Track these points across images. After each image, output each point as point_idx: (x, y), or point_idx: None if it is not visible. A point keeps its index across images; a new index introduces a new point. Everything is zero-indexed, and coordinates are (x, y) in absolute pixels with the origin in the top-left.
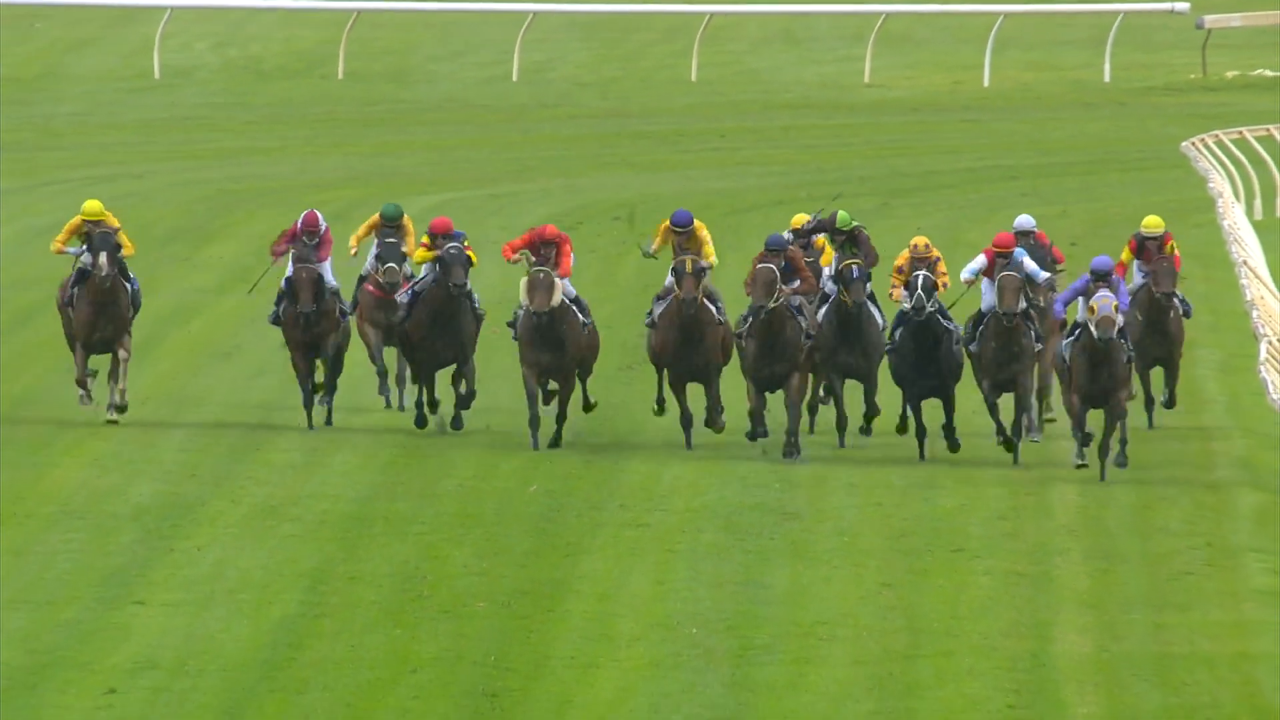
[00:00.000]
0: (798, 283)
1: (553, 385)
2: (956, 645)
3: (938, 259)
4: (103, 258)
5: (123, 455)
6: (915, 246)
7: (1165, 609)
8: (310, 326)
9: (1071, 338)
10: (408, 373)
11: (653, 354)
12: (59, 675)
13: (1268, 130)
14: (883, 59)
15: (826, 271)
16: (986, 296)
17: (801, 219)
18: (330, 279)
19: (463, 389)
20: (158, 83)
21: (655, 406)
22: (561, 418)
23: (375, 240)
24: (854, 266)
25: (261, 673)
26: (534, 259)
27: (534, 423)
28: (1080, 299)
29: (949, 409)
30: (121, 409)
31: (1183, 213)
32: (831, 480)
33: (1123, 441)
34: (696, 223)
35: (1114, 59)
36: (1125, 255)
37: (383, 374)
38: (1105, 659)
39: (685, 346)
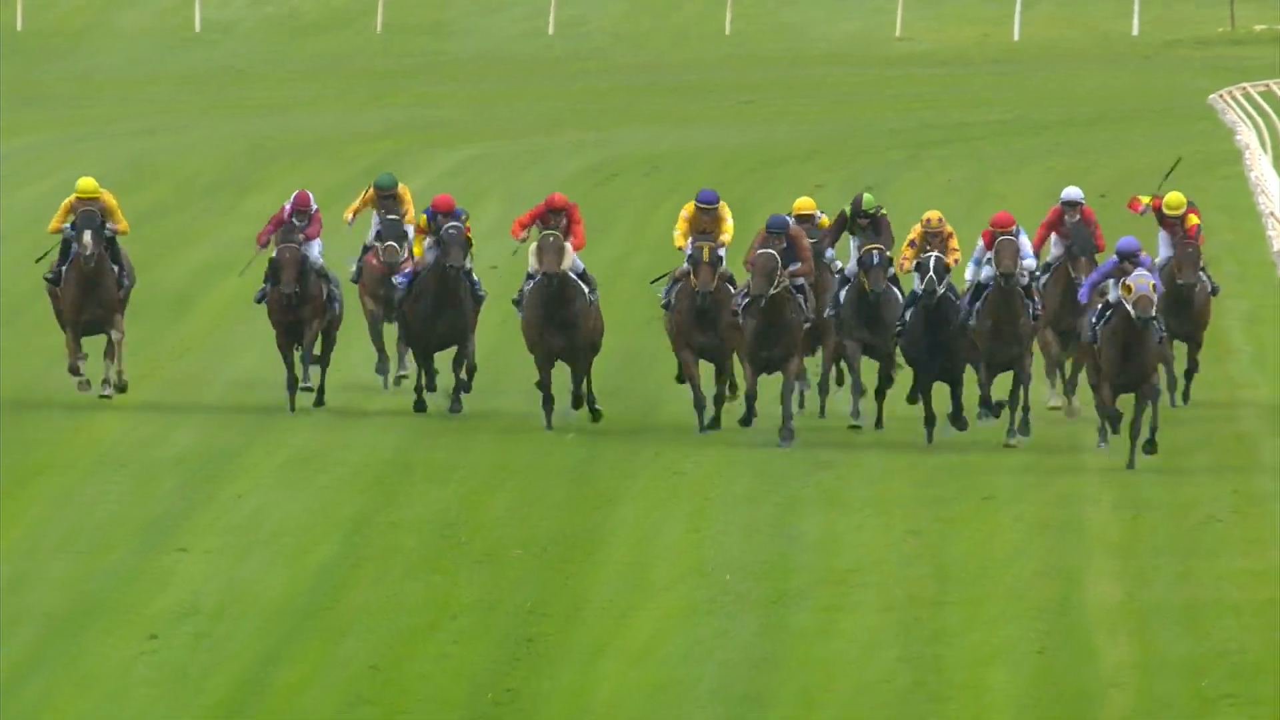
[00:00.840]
0: (798, 265)
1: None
2: (985, 592)
3: (950, 234)
4: (87, 236)
5: (163, 405)
6: (928, 221)
7: (1192, 556)
8: (293, 307)
9: (1101, 320)
10: (408, 354)
11: (670, 334)
12: (102, 620)
13: None
14: (913, 13)
15: (830, 254)
16: (984, 270)
17: (806, 203)
18: (317, 258)
19: (463, 374)
20: (198, 37)
21: (678, 378)
22: (577, 393)
23: (375, 214)
24: (874, 252)
25: (301, 618)
26: (542, 228)
27: (547, 403)
28: (1111, 281)
29: (956, 391)
30: (120, 388)
31: (1210, 165)
32: (863, 431)
33: (1153, 428)
34: (722, 205)
35: (1142, 13)
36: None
37: (381, 352)
38: (1133, 605)
39: (700, 325)
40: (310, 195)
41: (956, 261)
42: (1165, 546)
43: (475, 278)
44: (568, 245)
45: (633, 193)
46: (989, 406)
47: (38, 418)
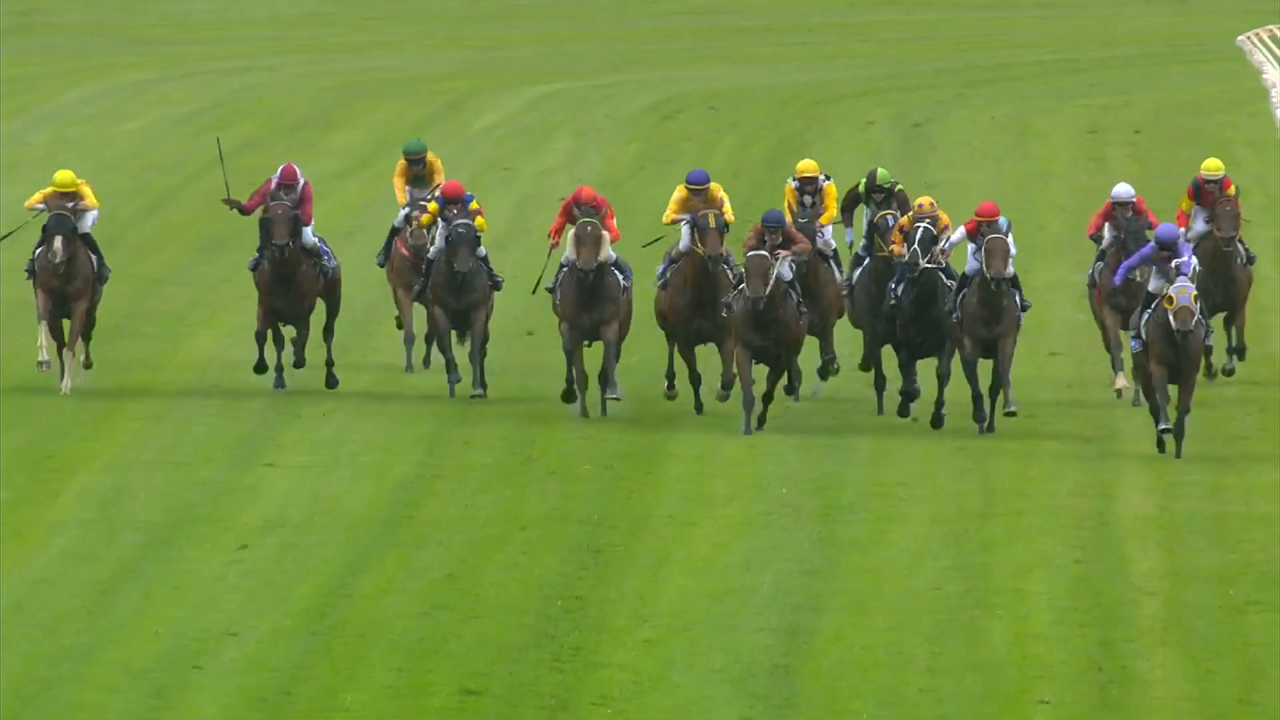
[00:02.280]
0: (795, 246)
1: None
2: (1027, 505)
3: (939, 217)
4: (57, 242)
5: (253, 328)
6: (921, 206)
7: (1222, 471)
8: (286, 267)
9: (1149, 310)
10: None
11: (661, 317)
12: (195, 531)
13: None
14: None
15: (828, 232)
16: (971, 261)
17: (809, 165)
18: (310, 238)
19: (481, 360)
20: None
21: (666, 385)
22: (607, 371)
23: (408, 192)
24: (889, 216)
25: (382, 530)
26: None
27: (574, 381)
28: (1153, 268)
29: (943, 380)
30: (87, 365)
31: (1238, 102)
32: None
33: (1186, 410)
34: (712, 183)
35: None
36: (1185, 204)
37: (409, 340)
38: (1165, 518)
39: (697, 307)
40: (297, 168)
41: (948, 229)
42: (1196, 462)
43: (490, 268)
44: (605, 235)
45: (694, 129)
46: (978, 394)
47: (134, 341)
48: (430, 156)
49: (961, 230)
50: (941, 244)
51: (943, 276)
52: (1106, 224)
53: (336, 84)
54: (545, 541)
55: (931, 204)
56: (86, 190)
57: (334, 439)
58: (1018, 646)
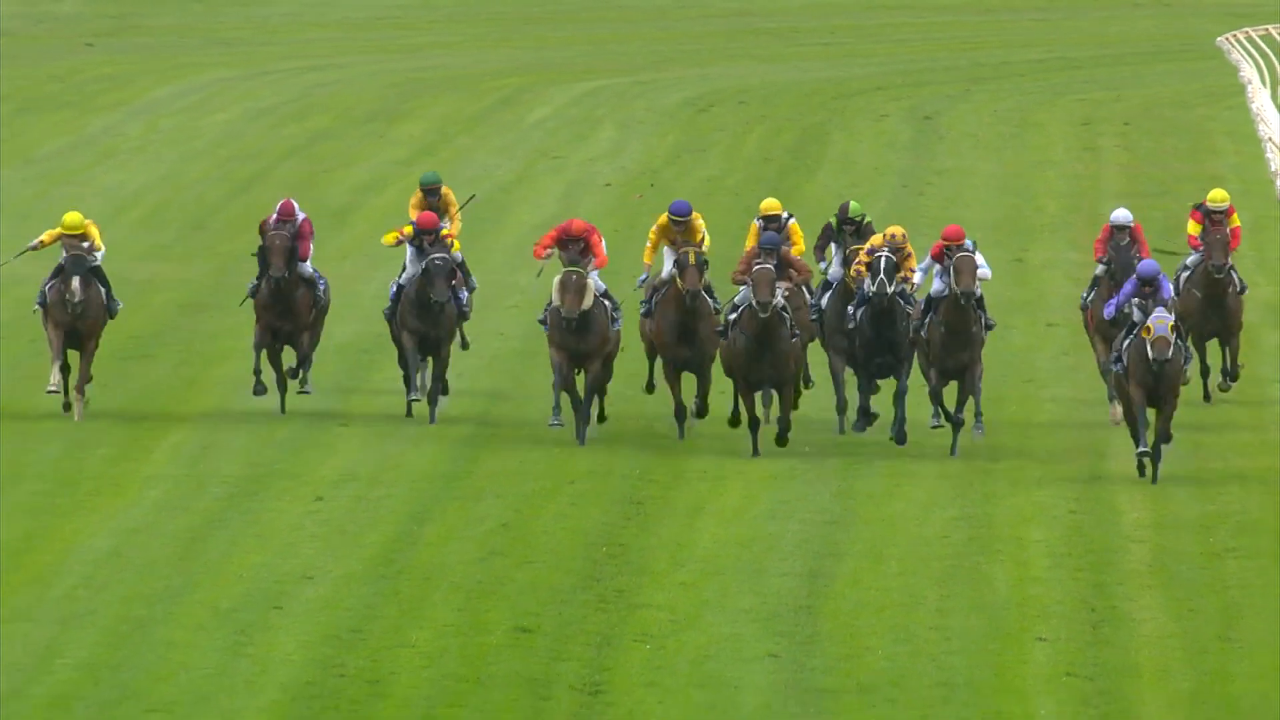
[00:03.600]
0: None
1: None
2: (1026, 462)
3: (910, 254)
4: (75, 283)
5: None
6: (892, 236)
7: (1204, 431)
8: (282, 297)
9: (1130, 338)
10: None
11: (647, 341)
12: (275, 485)
13: None
14: None
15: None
16: (937, 282)
17: (772, 204)
18: (308, 270)
19: (440, 390)
20: None
21: (646, 387)
22: (588, 406)
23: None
24: (882, 257)
25: (443, 484)
26: (564, 258)
27: (560, 393)
28: (1134, 301)
29: (900, 400)
30: (82, 386)
31: (1218, 97)
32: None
33: (1165, 438)
34: (694, 214)
35: None
36: (1192, 228)
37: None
38: (1151, 473)
39: (682, 336)
40: (294, 204)
41: (912, 283)
42: (1179, 423)
43: (464, 295)
44: (589, 280)
45: (726, 121)
46: (942, 412)
47: (219, 315)
48: (445, 189)
49: (928, 258)
50: (916, 275)
51: (900, 301)
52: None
53: (402, 80)
54: (591, 494)
55: (903, 235)
56: (94, 231)
57: (401, 400)
58: (1018, 589)
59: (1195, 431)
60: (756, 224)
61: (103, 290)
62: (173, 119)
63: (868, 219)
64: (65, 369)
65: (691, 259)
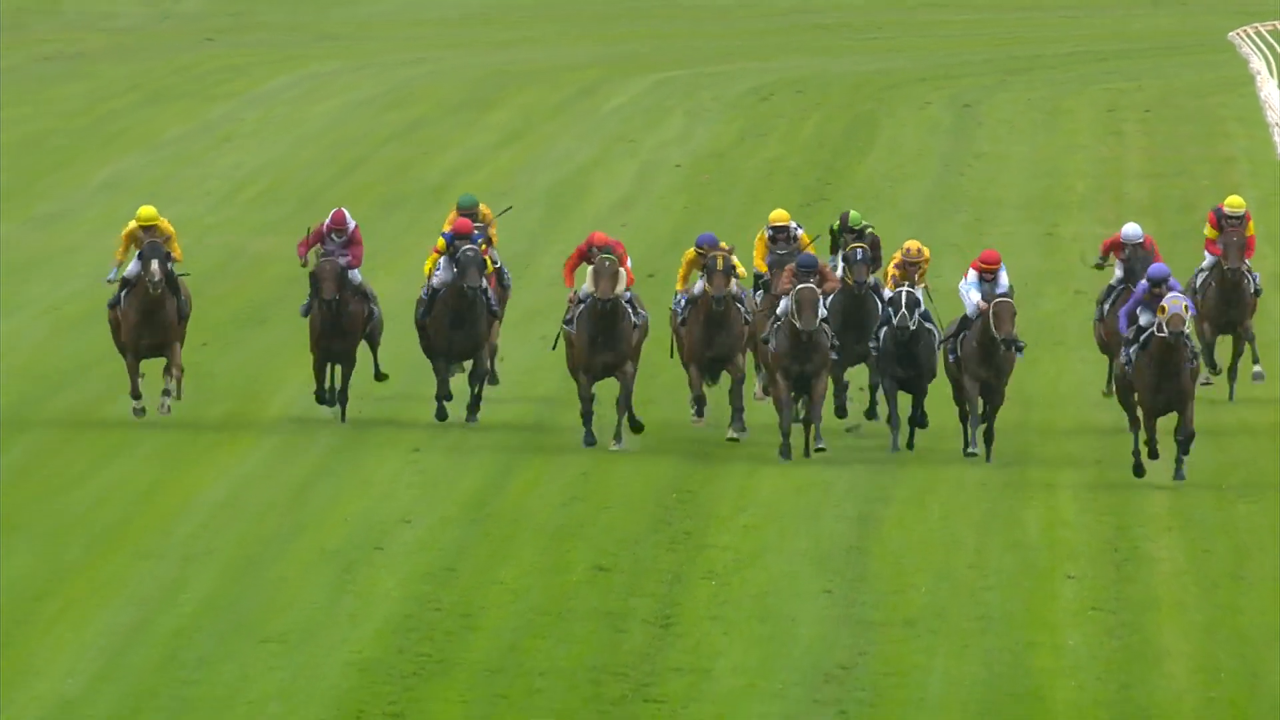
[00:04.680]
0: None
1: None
2: (1057, 416)
3: (926, 260)
4: (154, 265)
5: (420, 274)
6: (908, 250)
7: (1217, 389)
8: (334, 318)
9: (1136, 345)
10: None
11: (683, 351)
12: (377, 437)
13: None
14: None
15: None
16: (970, 306)
17: (781, 215)
18: (357, 277)
19: (479, 389)
20: None
21: (692, 408)
22: (625, 406)
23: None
24: (858, 249)
25: (529, 436)
26: (596, 253)
27: (587, 418)
28: (1142, 307)
29: (919, 398)
30: (176, 397)
31: (1230, 86)
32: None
33: (1189, 435)
34: (721, 244)
35: None
36: (1209, 232)
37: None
38: (1170, 426)
39: (710, 340)
40: (346, 213)
41: (925, 288)
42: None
43: (492, 295)
44: (622, 271)
45: (785, 108)
46: (976, 421)
47: None
48: (482, 208)
49: (973, 273)
50: (960, 289)
51: (924, 322)
52: (1117, 261)
53: (491, 73)
54: (663, 445)
55: (919, 248)
56: (170, 229)
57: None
58: (1048, 531)
59: (1211, 391)
60: (765, 233)
61: (178, 299)
62: (284, 107)
63: (870, 228)
64: (139, 395)
65: (720, 263)
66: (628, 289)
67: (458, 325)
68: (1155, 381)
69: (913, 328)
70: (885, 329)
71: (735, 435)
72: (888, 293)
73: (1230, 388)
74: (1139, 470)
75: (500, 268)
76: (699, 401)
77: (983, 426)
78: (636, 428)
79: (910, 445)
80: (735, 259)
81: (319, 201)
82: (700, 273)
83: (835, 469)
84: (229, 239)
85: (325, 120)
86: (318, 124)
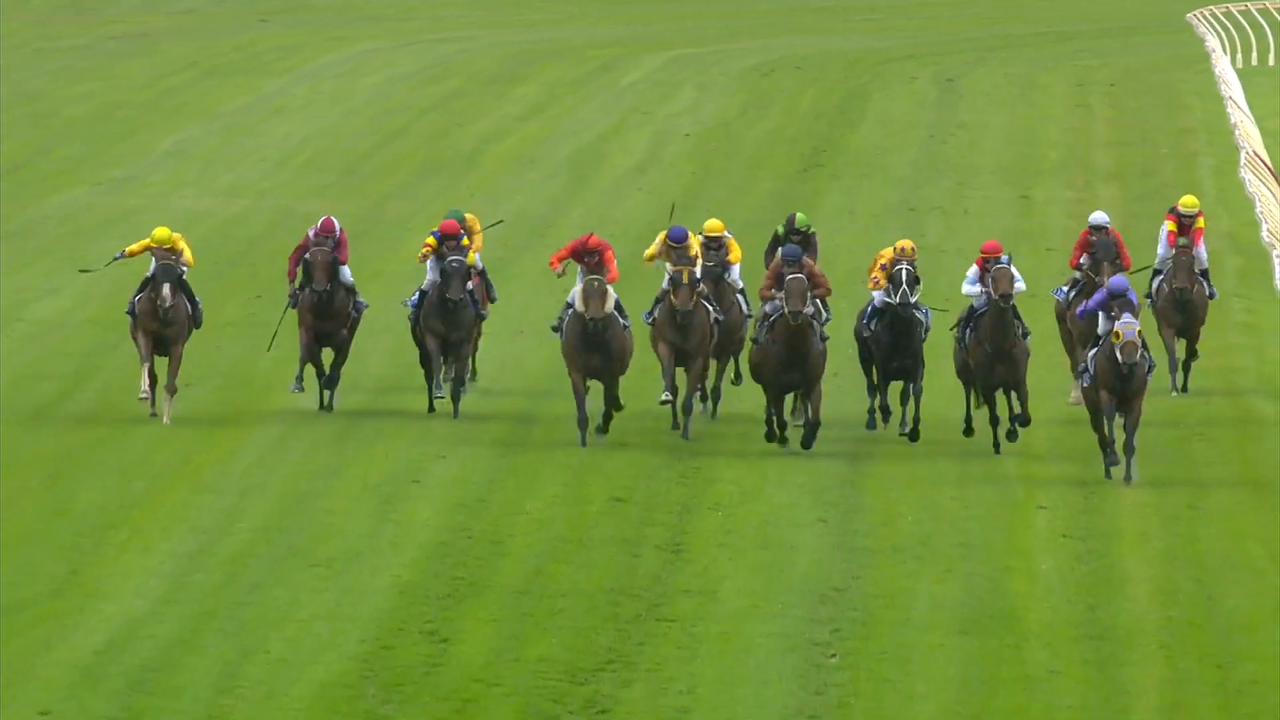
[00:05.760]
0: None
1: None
2: (1031, 361)
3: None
4: (165, 289)
5: None
6: (902, 249)
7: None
8: (323, 306)
9: (1095, 349)
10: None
11: (655, 346)
12: (414, 381)
13: (1245, 5)
14: None
15: (735, 270)
16: (977, 295)
17: (715, 225)
18: (346, 276)
19: (461, 388)
20: None
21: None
22: (611, 405)
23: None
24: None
25: (551, 382)
26: (583, 269)
27: (583, 423)
28: (1100, 313)
29: (916, 397)
30: (171, 391)
31: (1188, 63)
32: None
33: (1132, 449)
34: (691, 237)
35: None
36: (1171, 225)
37: (430, 377)
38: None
39: (679, 341)
40: (335, 221)
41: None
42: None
43: (477, 299)
44: (610, 288)
45: (785, 83)
46: (994, 416)
47: (368, 242)
48: (469, 219)
49: (974, 268)
50: (964, 288)
51: (917, 313)
52: (1084, 254)
53: (519, 50)
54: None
55: (913, 248)
56: (183, 245)
57: (517, 313)
58: (1023, 466)
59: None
60: (700, 239)
61: (188, 303)
62: (331, 82)
63: (812, 229)
64: (153, 378)
65: (685, 277)
66: (613, 289)
67: (445, 328)
68: (1110, 384)
69: (914, 299)
70: (877, 319)
71: (667, 399)
72: (878, 296)
73: (1183, 379)
74: (1112, 459)
75: (484, 273)
76: (669, 377)
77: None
78: (616, 408)
79: (914, 436)
80: (729, 237)
81: (362, 168)
82: (666, 272)
83: (830, 415)
84: (280, 201)
85: (369, 94)
86: (362, 97)
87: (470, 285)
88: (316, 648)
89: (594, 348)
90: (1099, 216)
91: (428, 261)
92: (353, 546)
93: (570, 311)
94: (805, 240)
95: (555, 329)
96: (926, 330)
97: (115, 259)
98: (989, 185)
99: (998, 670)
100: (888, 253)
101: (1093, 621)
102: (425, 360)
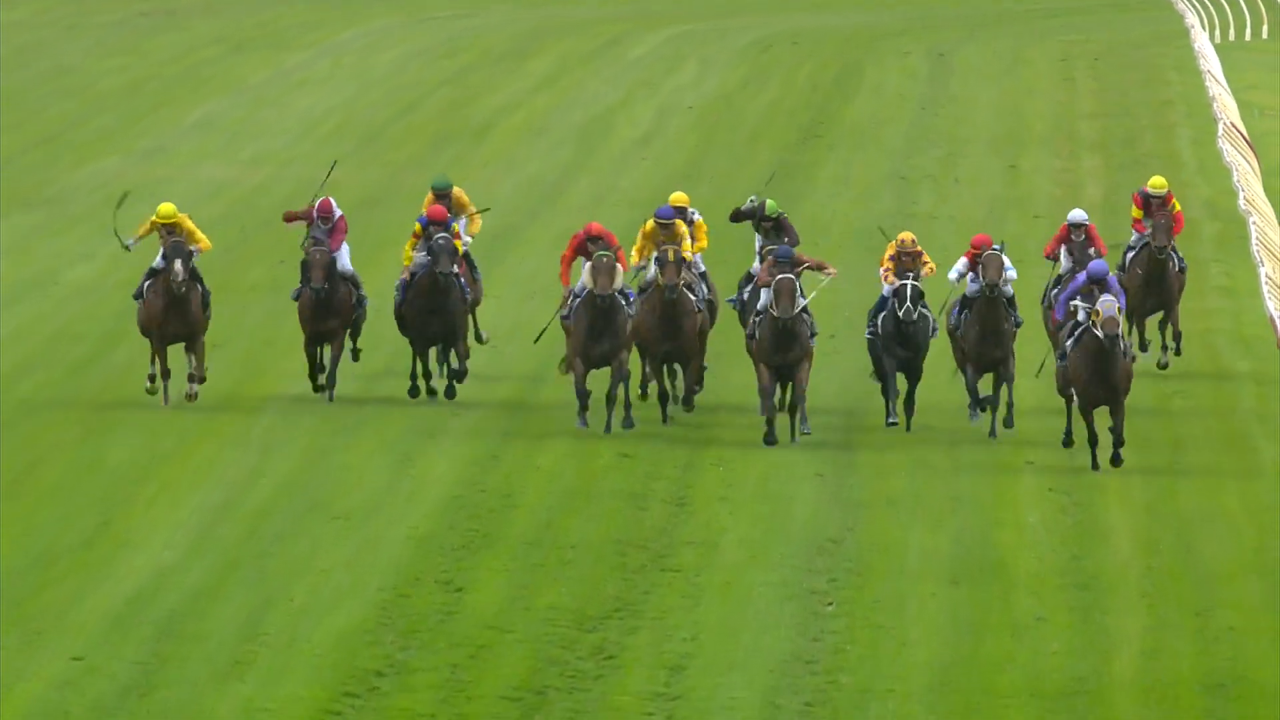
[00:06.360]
0: (831, 270)
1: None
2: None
3: (921, 252)
4: (177, 264)
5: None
6: (903, 242)
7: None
8: (322, 304)
9: (1072, 339)
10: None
11: (637, 338)
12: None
13: None
14: None
15: (699, 259)
16: (971, 286)
17: (681, 197)
18: (346, 265)
19: (454, 364)
20: None
21: (640, 391)
22: (612, 393)
23: (420, 242)
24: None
25: (561, 345)
26: (593, 248)
27: (583, 409)
28: (1079, 300)
29: (913, 381)
30: (200, 379)
31: (1167, 38)
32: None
33: (1120, 441)
34: (678, 220)
35: None
36: (1135, 212)
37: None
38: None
39: (664, 331)
40: (333, 202)
41: (932, 270)
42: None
43: (464, 281)
44: (618, 265)
45: (783, 58)
46: (977, 402)
47: (383, 210)
48: (456, 191)
49: (963, 260)
50: (951, 275)
51: (925, 317)
52: (1063, 248)
53: (530, 27)
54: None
55: (913, 240)
56: (190, 225)
57: (528, 277)
58: (1011, 426)
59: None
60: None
61: (200, 289)
62: (352, 56)
63: (783, 214)
64: (166, 374)
65: (671, 256)
66: (622, 281)
67: (431, 310)
68: (1091, 376)
69: (915, 319)
70: (885, 315)
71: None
72: (887, 288)
73: (1162, 358)
74: (1068, 441)
75: (468, 252)
76: (643, 385)
77: (1001, 408)
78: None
79: (908, 427)
80: (696, 217)
81: (380, 138)
82: (653, 260)
83: (825, 382)
84: (303, 170)
85: (387, 68)
86: (380, 71)
87: (456, 269)
88: (336, 596)
89: (601, 330)
90: (1077, 215)
91: (417, 247)
92: (371, 500)
93: (579, 300)
94: (778, 225)
95: (564, 318)
96: (933, 331)
97: (126, 247)
98: (978, 155)
99: (987, 618)
100: (892, 246)
101: (1077, 571)
102: (414, 349)
